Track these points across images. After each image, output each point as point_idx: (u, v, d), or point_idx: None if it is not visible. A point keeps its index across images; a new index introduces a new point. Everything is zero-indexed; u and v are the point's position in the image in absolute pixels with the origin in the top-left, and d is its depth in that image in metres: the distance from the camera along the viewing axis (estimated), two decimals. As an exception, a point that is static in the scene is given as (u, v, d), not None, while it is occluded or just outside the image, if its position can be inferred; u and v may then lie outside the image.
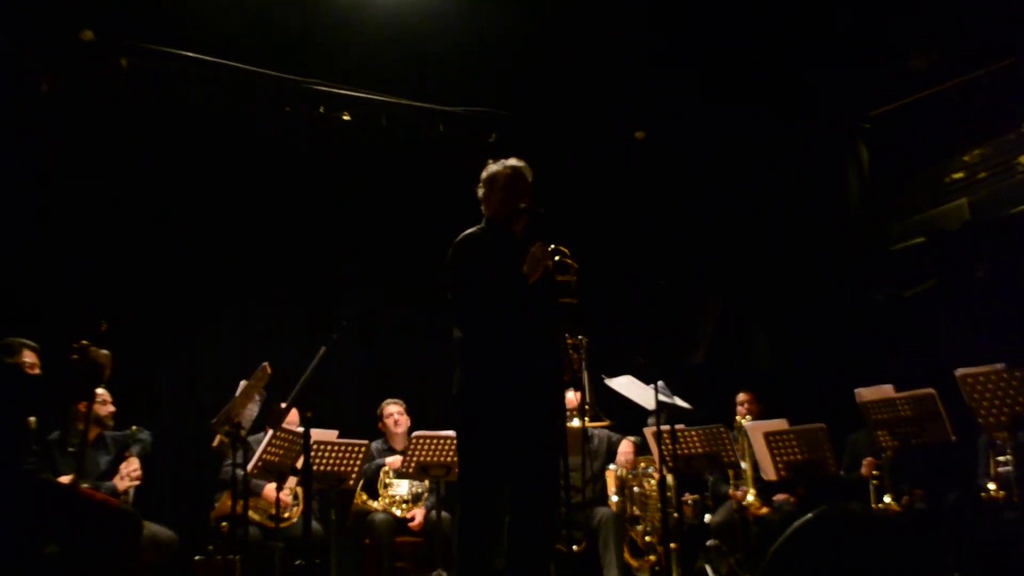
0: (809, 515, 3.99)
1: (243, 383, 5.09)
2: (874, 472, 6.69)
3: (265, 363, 4.91)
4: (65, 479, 4.99)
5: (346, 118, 8.39)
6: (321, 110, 8.28)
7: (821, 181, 8.99)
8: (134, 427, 6.35)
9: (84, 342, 4.04)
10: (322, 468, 6.43)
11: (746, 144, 8.90)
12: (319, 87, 8.20)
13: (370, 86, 8.31)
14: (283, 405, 4.98)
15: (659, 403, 5.46)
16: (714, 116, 8.67)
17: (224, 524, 5.52)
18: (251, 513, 5.86)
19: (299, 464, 6.22)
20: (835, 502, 4.15)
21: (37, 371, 4.82)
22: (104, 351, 4.06)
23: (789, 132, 8.87)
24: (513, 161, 4.78)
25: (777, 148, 8.91)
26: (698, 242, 9.02)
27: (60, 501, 3.90)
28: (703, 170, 8.99)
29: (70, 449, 4.92)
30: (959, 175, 8.48)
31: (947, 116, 8.37)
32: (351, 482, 6.64)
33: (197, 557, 4.90)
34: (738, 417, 7.29)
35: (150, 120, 7.76)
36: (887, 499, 6.57)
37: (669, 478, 6.16)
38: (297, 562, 4.11)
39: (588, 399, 4.91)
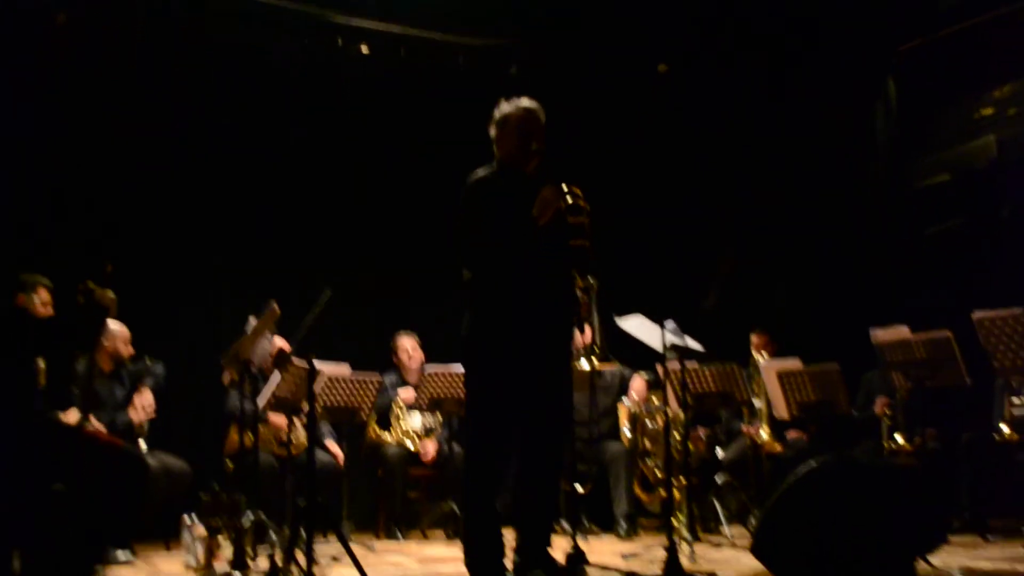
0: (812, 463, 4.00)
1: (252, 320, 5.10)
2: (887, 412, 6.68)
3: (273, 302, 4.91)
4: (72, 414, 5.05)
5: (364, 51, 8.30)
6: (339, 43, 8.20)
7: (848, 117, 8.82)
8: (148, 359, 6.41)
9: (89, 283, 4.04)
10: (334, 402, 6.48)
11: (772, 79, 8.75)
12: (337, 19, 8.11)
13: (389, 18, 8.20)
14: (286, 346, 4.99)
15: (669, 344, 5.43)
16: (739, 50, 8.52)
17: (229, 463, 5.57)
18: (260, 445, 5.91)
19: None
20: (840, 450, 4.12)
21: (49, 309, 4.86)
22: (109, 293, 4.06)
23: (817, 67, 8.69)
24: (526, 101, 4.70)
25: (804, 83, 8.75)
26: (719, 179, 8.90)
27: (65, 441, 3.94)
28: (726, 106, 8.84)
29: (74, 390, 4.96)
30: (988, 111, 8.29)
31: (977, 51, 8.17)
32: (363, 416, 6.70)
33: (203, 495, 4.96)
34: (754, 354, 7.27)
35: (166, 53, 7.70)
36: (899, 439, 6.57)
37: (680, 415, 6.16)
38: (300, 501, 4.13)
39: (597, 340, 4.89)
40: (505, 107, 4.71)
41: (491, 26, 8.43)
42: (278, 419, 6.61)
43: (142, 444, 6.24)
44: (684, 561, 4.85)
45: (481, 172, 4.65)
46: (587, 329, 4.91)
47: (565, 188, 4.48)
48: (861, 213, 8.59)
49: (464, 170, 4.68)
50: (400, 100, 8.44)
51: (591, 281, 4.64)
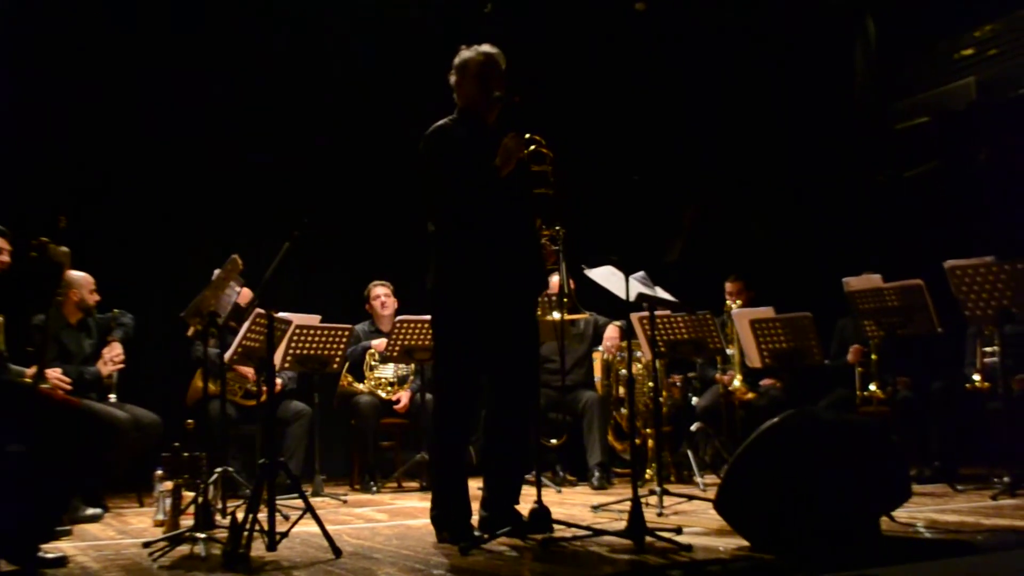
0: (775, 419, 3.97)
1: (216, 272, 5.02)
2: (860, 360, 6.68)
3: (235, 255, 4.83)
4: (29, 371, 4.98)
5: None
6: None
7: (827, 58, 8.70)
8: (116, 310, 6.34)
9: (43, 239, 3.95)
10: (305, 351, 6.43)
11: (750, 17, 8.60)
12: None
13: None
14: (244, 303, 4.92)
15: (639, 294, 5.38)
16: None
17: (189, 421, 5.52)
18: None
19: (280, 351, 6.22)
20: (803, 406, 4.09)
21: (6, 257, 4.76)
22: (63, 248, 3.98)
23: (795, 5, 8.54)
24: (487, 47, 4.58)
25: (782, 22, 8.61)
26: (694, 122, 8.80)
27: (18, 402, 3.87)
28: (703, 46, 8.70)
29: (28, 349, 4.88)
30: (968, 52, 8.20)
31: (958, -10, 8.06)
32: (335, 366, 6.65)
33: (164, 454, 4.92)
34: (728, 302, 7.23)
35: (123, 9, 7.52)
36: (872, 387, 6.57)
37: (638, 367, 6.12)
38: (261, 460, 4.09)
39: (566, 290, 4.83)
40: (465, 53, 4.60)
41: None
42: (246, 369, 6.57)
43: (112, 396, 6.19)
44: (651, 514, 4.85)
45: (441, 122, 4.55)
46: (556, 279, 4.84)
47: (528, 136, 4.39)
48: (840, 156, 8.51)
49: (435, 114, 4.57)
50: (371, 38, 8.28)
51: (558, 229, 4.57)
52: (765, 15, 8.60)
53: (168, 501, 5.12)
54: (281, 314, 6.09)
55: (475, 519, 4.42)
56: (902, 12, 8.44)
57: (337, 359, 6.63)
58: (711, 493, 5.65)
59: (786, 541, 3.72)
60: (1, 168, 6.90)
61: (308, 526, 4.49)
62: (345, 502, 6.22)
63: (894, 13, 8.52)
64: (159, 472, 5.37)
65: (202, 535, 4.12)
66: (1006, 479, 5.41)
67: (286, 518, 4.67)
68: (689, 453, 6.69)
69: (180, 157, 7.79)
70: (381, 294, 7.47)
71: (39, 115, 7.28)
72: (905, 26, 8.46)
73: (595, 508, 5.34)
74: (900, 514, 4.46)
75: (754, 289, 7.22)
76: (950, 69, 8.26)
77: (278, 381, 6.70)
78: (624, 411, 7.13)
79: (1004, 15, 7.98)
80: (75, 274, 6.04)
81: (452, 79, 4.62)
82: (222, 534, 4.02)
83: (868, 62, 8.67)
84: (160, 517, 5.22)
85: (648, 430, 6.87)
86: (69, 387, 5.70)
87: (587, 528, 4.24)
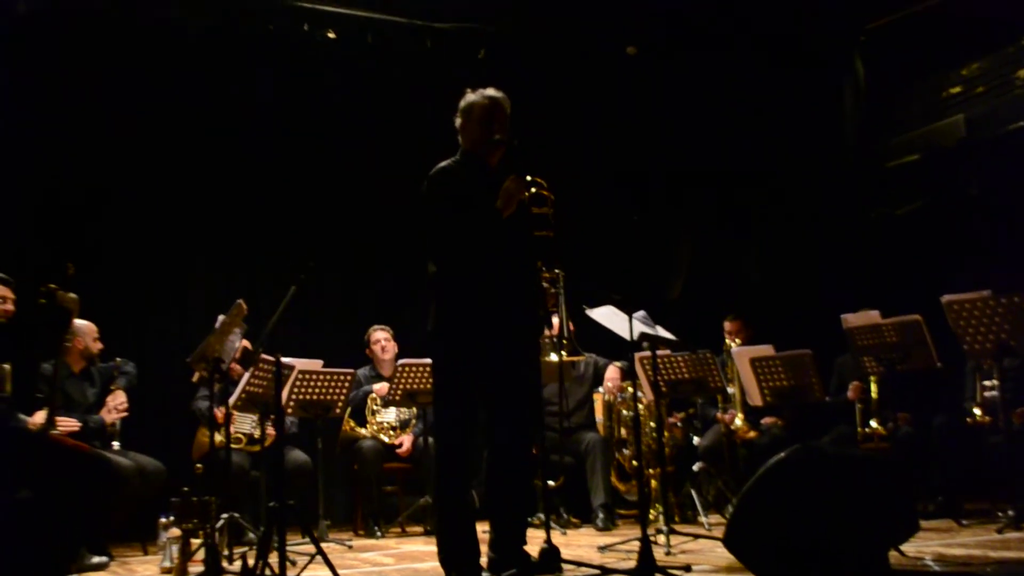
0: (782, 454, 3.99)
1: (221, 318, 5.06)
2: (860, 396, 6.70)
3: (240, 300, 4.87)
4: (39, 416, 4.99)
5: (331, 36, 8.22)
6: (305, 27, 8.11)
7: (816, 97, 8.82)
8: (118, 359, 6.35)
9: (52, 286, 3.98)
10: (307, 397, 6.44)
11: (740, 59, 8.72)
12: (303, 4, 8.02)
13: (355, 3, 8.12)
14: (248, 345, 4.95)
15: (641, 333, 5.41)
16: (708, 31, 8.48)
17: (199, 465, 5.53)
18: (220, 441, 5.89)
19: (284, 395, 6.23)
20: (808, 441, 4.11)
21: (10, 306, 4.78)
22: (71, 295, 4.00)
23: (784, 48, 8.66)
24: (491, 91, 4.64)
25: (772, 63, 8.72)
26: (690, 159, 8.89)
27: (30, 448, 3.88)
28: (695, 88, 8.81)
29: (39, 395, 4.90)
30: (956, 90, 8.32)
31: (946, 28, 8.18)
32: (337, 410, 6.67)
33: (173, 499, 4.92)
34: (728, 341, 7.26)
35: (129, 40, 7.60)
36: (873, 423, 6.59)
37: (642, 408, 6.14)
38: (271, 504, 4.09)
39: (566, 332, 4.86)
40: (470, 96, 4.66)
41: (458, 9, 8.35)
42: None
43: (115, 444, 6.19)
44: (659, 553, 4.85)
45: (445, 163, 4.60)
46: (555, 321, 4.87)
47: (529, 179, 4.45)
48: (831, 193, 8.59)
49: (432, 157, 4.64)
50: (368, 86, 8.37)
51: (557, 272, 4.61)
52: (755, 57, 8.70)
53: (175, 548, 5.11)
54: (283, 359, 6.10)
55: (483, 560, 4.42)
56: (890, 51, 8.56)
57: (340, 404, 6.65)
58: (717, 532, 5.68)
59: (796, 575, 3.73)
60: (6, 216, 6.96)
61: (316, 571, 4.49)
62: (351, 547, 6.20)
63: (882, 52, 8.64)
64: (163, 520, 5.37)
65: (212, 579, 4.13)
66: (1010, 512, 5.41)
67: (293, 563, 4.66)
68: (693, 493, 6.69)
69: (178, 207, 7.84)
70: (381, 338, 7.49)
71: (42, 164, 7.32)
72: (893, 65, 8.58)
73: (602, 549, 5.33)
74: (907, 548, 4.47)
75: (752, 328, 7.26)
76: (939, 107, 8.38)
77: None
78: (627, 452, 7.14)
79: (990, 53, 8.10)
80: (79, 322, 6.07)
81: (456, 121, 4.67)
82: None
83: (857, 101, 8.79)
84: (167, 564, 5.21)
85: (652, 470, 6.87)
86: (77, 430, 5.71)
87: (597, 567, 4.24)
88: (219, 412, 5.74)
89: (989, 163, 7.73)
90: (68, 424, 5.70)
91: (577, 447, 7.05)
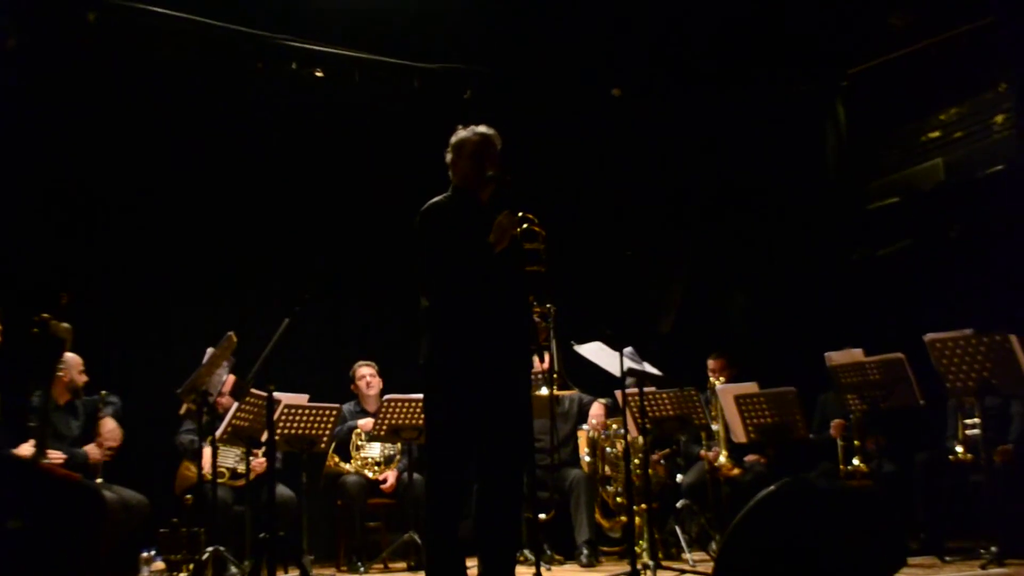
0: (771, 487, 4.02)
1: (210, 351, 5.06)
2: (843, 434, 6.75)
3: (231, 332, 4.87)
4: (27, 447, 4.96)
5: (319, 75, 8.29)
6: (293, 66, 8.17)
7: (798, 140, 8.95)
8: (103, 392, 6.32)
9: (45, 315, 3.98)
10: (293, 431, 6.43)
11: (724, 102, 8.84)
12: (292, 43, 8.09)
13: (343, 43, 8.20)
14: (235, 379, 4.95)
15: (628, 370, 5.46)
16: (691, 73, 8.61)
17: (188, 496, 5.51)
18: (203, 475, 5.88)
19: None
20: (798, 475, 4.14)
21: (-1, 337, 4.78)
22: (65, 324, 4.00)
23: (766, 90, 8.80)
24: (483, 128, 4.71)
25: (754, 106, 8.85)
26: (672, 204, 8.98)
27: (19, 476, 3.86)
28: (679, 129, 8.93)
29: (30, 424, 4.88)
30: (935, 134, 8.47)
31: (925, 74, 8.34)
32: (322, 445, 6.66)
33: (162, 530, 4.89)
34: (712, 379, 7.31)
35: (118, 77, 7.64)
36: (855, 461, 6.63)
37: (639, 440, 6.18)
38: (261, 535, 4.08)
39: (556, 367, 4.90)
40: (461, 133, 4.72)
41: (446, 50, 8.45)
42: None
43: (98, 480, 6.14)
44: (646, 587, 4.86)
45: (436, 199, 4.65)
46: (546, 356, 4.91)
47: (520, 215, 4.50)
48: (814, 235, 8.69)
49: (419, 195, 4.69)
50: (355, 125, 8.43)
51: (549, 307, 4.65)
52: (739, 100, 8.82)
53: (158, 582, 5.09)
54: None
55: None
56: (870, 96, 8.71)
57: (325, 439, 6.64)
58: (701, 568, 5.69)
59: (786, 609, 3.75)
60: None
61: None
62: (334, 582, 6.18)
63: (863, 97, 8.79)
64: (145, 554, 5.35)
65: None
66: (993, 549, 5.46)
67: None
68: (677, 529, 6.70)
69: (163, 240, 7.85)
70: (367, 374, 7.49)
71: (29, 194, 7.34)
72: (874, 110, 8.73)
73: (587, 584, 5.34)
74: (893, 584, 4.49)
75: (736, 366, 7.31)
76: (918, 151, 8.52)
77: (263, 461, 6.70)
78: (611, 488, 7.15)
79: (968, 99, 8.26)
80: (66, 355, 6.03)
81: (447, 157, 4.73)
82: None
83: (839, 144, 8.92)
84: (150, 598, 5.18)
85: (637, 507, 6.88)
86: (62, 463, 5.67)
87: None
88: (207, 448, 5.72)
89: (968, 206, 7.85)
90: (55, 456, 5.66)
91: (561, 484, 7.05)
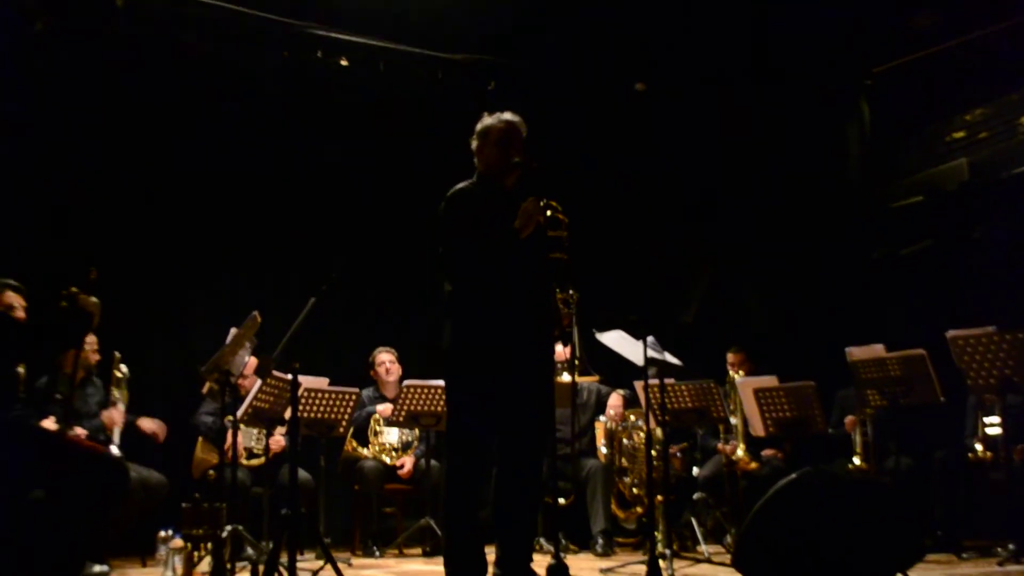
0: (792, 476, 4.03)
1: (233, 331, 5.08)
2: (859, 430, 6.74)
3: (255, 312, 4.89)
4: (49, 423, 5.00)
5: (344, 63, 8.32)
6: (319, 55, 8.21)
7: (821, 138, 8.94)
8: (117, 353, 6.31)
9: (73, 289, 4.01)
10: (312, 415, 6.46)
11: (747, 100, 8.83)
12: (317, 31, 8.13)
13: (369, 31, 8.23)
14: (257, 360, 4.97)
15: (649, 358, 5.46)
16: (715, 71, 8.60)
17: (211, 472, 5.54)
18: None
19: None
20: (818, 464, 4.15)
21: (22, 313, 4.80)
22: (93, 298, 4.03)
23: (791, 88, 8.78)
24: (508, 115, 4.73)
25: (778, 104, 8.84)
26: (695, 198, 8.98)
27: (46, 447, 3.90)
28: (702, 124, 8.92)
29: (57, 396, 4.91)
30: (960, 134, 8.43)
31: (950, 75, 8.31)
32: (341, 429, 6.68)
33: (184, 504, 4.92)
34: (731, 372, 7.31)
35: (145, 62, 7.69)
36: (856, 460, 6.62)
37: (658, 432, 6.19)
38: (283, 511, 4.11)
39: (578, 354, 4.91)
40: (487, 120, 4.74)
41: (470, 41, 8.46)
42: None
43: (113, 447, 6.17)
44: None
45: (462, 185, 4.67)
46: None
47: (544, 202, 4.51)
48: (836, 233, 8.67)
49: (441, 183, 4.71)
50: (379, 114, 8.46)
51: (572, 294, 4.66)
52: (762, 98, 8.82)
53: (177, 559, 5.11)
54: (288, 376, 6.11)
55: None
56: (895, 96, 8.69)
57: (343, 423, 6.67)
58: (717, 560, 5.70)
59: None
60: (20, 223, 7.04)
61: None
62: (351, 565, 6.20)
63: (887, 97, 8.77)
64: (163, 533, 5.38)
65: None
66: (1011, 547, 5.45)
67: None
68: (693, 521, 6.70)
69: (184, 221, 7.90)
70: (386, 360, 7.51)
71: (50, 173, 7.40)
72: (898, 109, 8.70)
73: (604, 572, 5.34)
74: (911, 576, 4.49)
75: (755, 360, 7.31)
76: (942, 151, 8.49)
77: (281, 441, 6.74)
78: (627, 479, 7.17)
79: (993, 99, 8.22)
80: (80, 332, 6.05)
81: (473, 144, 4.75)
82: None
83: (863, 143, 8.90)
84: (168, 575, 5.20)
85: (649, 499, 6.88)
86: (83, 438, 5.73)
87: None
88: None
89: (992, 206, 7.83)
90: (79, 433, 5.71)
91: (578, 474, 7.07)
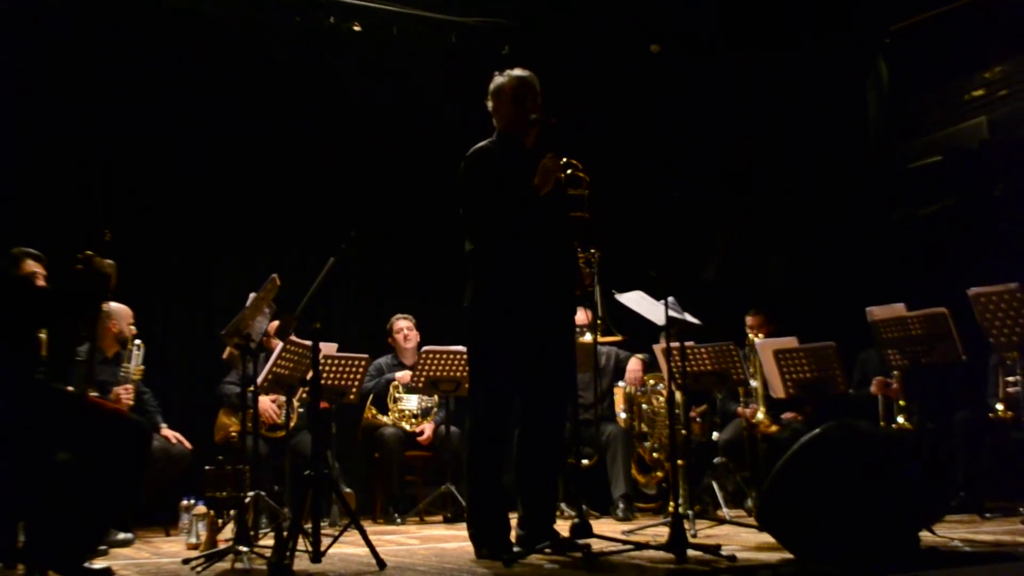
0: (817, 430, 4.01)
1: (252, 295, 5.05)
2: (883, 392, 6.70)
3: (274, 275, 4.87)
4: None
5: (356, 28, 8.27)
6: (331, 20, 8.16)
7: (840, 97, 8.85)
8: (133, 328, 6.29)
9: (89, 252, 3.99)
10: (325, 381, 6.42)
11: (764, 59, 8.75)
12: (329, -4, 8.09)
13: (381, -3, 8.19)
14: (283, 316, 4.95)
15: (669, 319, 5.42)
16: (731, 30, 8.52)
17: (234, 435, 5.55)
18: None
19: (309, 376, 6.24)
20: (843, 419, 4.11)
21: (42, 281, 4.80)
22: (109, 260, 4.01)
23: (809, 47, 8.70)
24: (519, 71, 4.69)
25: (796, 63, 8.76)
26: (713, 158, 8.91)
27: (70, 410, 3.90)
28: (720, 85, 8.84)
29: (78, 359, 4.91)
30: (979, 92, 8.32)
31: (969, 32, 8.19)
32: (352, 396, 6.66)
33: (208, 467, 4.92)
34: (750, 334, 7.27)
35: (160, 27, 7.66)
36: (900, 419, 6.57)
37: (678, 395, 6.16)
38: (307, 472, 4.11)
39: (600, 314, 4.88)
40: (498, 79, 4.71)
41: (484, 5, 8.40)
42: (264, 403, 6.56)
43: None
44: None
45: (482, 144, 4.64)
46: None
47: (564, 160, 4.48)
48: (855, 193, 8.61)
49: (455, 149, 4.68)
50: (392, 79, 8.41)
51: (593, 252, 4.63)
52: (779, 58, 8.74)
53: (201, 525, 5.14)
54: (300, 341, 6.09)
55: (512, 535, 4.43)
56: (913, 54, 8.58)
57: (355, 389, 6.64)
58: (738, 522, 5.69)
59: (829, 552, 3.73)
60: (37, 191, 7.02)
61: (345, 548, 4.51)
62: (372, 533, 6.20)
63: (905, 55, 8.67)
64: (185, 501, 5.40)
65: (244, 548, 4.13)
66: (1034, 506, 5.42)
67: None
68: (714, 484, 6.68)
69: (205, 190, 7.92)
70: (404, 327, 7.51)
71: (71, 142, 7.40)
72: (916, 67, 8.60)
73: (626, 534, 5.33)
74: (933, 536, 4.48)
75: (775, 322, 7.27)
76: (961, 109, 8.39)
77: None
78: (647, 444, 7.16)
79: (1013, 56, 8.12)
80: (115, 305, 6.02)
81: (489, 105, 4.72)
82: (262, 550, 4.04)
83: (881, 102, 8.81)
84: (192, 541, 5.23)
85: (671, 463, 6.88)
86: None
87: (629, 543, 4.24)
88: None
89: (1012, 164, 7.75)
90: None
91: (598, 438, 7.06)
